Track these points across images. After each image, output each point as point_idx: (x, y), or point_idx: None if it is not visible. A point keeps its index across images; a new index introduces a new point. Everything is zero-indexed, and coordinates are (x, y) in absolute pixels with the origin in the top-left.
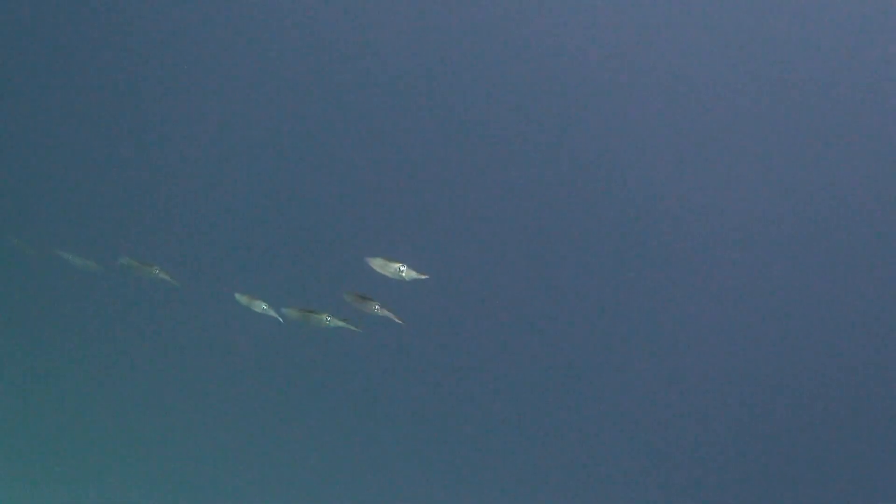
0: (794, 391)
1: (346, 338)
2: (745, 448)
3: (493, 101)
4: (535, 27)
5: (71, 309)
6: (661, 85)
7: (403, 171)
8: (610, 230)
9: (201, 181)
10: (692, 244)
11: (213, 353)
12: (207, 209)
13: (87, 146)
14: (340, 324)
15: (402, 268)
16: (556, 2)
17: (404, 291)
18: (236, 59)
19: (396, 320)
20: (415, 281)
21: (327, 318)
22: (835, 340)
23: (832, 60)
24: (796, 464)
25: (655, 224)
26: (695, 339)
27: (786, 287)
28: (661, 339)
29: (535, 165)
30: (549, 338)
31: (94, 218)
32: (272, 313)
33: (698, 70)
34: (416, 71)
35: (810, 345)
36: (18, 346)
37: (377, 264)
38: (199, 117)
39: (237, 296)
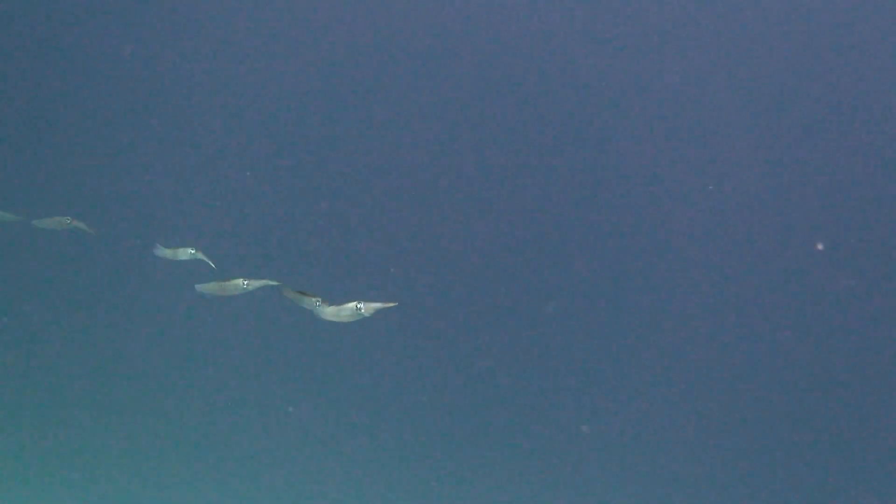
0: (793, 393)
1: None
2: (744, 448)
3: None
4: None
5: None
6: (655, 83)
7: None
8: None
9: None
10: (688, 243)
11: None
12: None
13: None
14: (259, 283)
15: (359, 305)
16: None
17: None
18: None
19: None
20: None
21: (244, 283)
22: (832, 340)
23: (830, 60)
24: (795, 464)
25: (645, 226)
26: (690, 339)
27: (783, 288)
28: (648, 341)
29: (525, 165)
30: (548, 335)
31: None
32: (201, 257)
33: (693, 67)
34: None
35: (808, 345)
36: None
37: (330, 313)
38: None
39: (158, 249)
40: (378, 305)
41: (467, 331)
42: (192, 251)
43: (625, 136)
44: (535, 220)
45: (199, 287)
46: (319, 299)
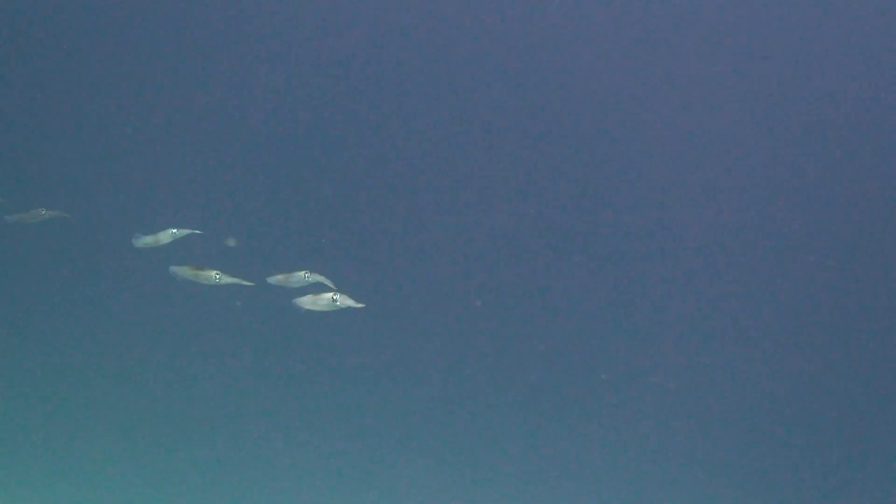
0: (793, 394)
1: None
2: (744, 448)
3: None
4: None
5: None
6: (650, 84)
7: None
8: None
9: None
10: (684, 245)
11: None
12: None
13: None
14: (231, 280)
15: (335, 297)
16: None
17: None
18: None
19: (329, 284)
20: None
21: (216, 276)
22: (830, 342)
23: (829, 60)
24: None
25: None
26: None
27: (782, 289)
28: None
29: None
30: (547, 336)
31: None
32: (186, 232)
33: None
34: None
35: (808, 347)
36: None
37: (307, 302)
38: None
39: (137, 240)
40: (351, 303)
41: (464, 329)
42: (174, 231)
43: (622, 135)
44: (533, 218)
45: (173, 269)
46: (307, 271)
